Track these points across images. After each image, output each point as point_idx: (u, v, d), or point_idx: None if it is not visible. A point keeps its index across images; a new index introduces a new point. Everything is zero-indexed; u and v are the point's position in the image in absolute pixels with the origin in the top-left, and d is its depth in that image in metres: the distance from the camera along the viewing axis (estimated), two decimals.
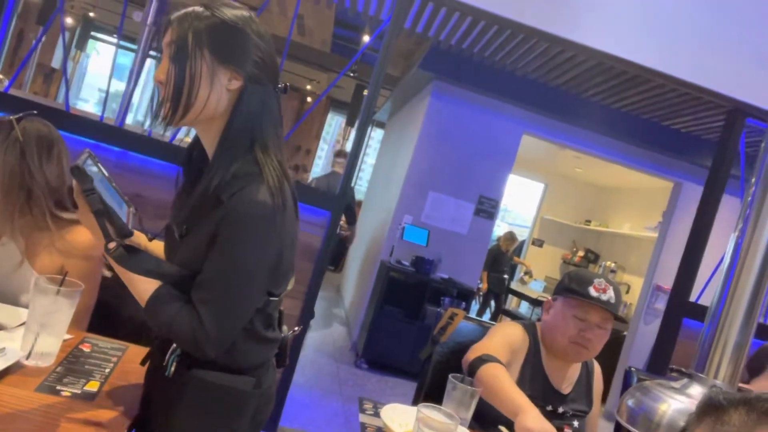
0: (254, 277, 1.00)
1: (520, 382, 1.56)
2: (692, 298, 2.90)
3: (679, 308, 2.86)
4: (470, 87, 4.64)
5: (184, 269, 1.00)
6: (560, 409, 1.60)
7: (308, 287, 2.59)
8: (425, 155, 4.75)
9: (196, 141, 1.12)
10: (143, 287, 0.99)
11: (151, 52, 3.14)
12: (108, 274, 1.49)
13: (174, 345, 1.03)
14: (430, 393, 1.73)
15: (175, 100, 0.98)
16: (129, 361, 1.24)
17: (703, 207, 2.88)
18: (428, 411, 1.11)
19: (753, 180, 1.20)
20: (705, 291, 2.95)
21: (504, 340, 1.59)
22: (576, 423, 1.61)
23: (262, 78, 1.04)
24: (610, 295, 1.55)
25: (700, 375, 1.05)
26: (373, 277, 4.80)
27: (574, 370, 1.68)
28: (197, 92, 0.99)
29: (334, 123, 11.49)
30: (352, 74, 7.15)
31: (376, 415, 1.35)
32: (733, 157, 2.85)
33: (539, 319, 1.73)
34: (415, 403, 1.67)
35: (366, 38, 4.65)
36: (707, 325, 1.19)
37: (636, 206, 7.20)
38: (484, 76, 4.44)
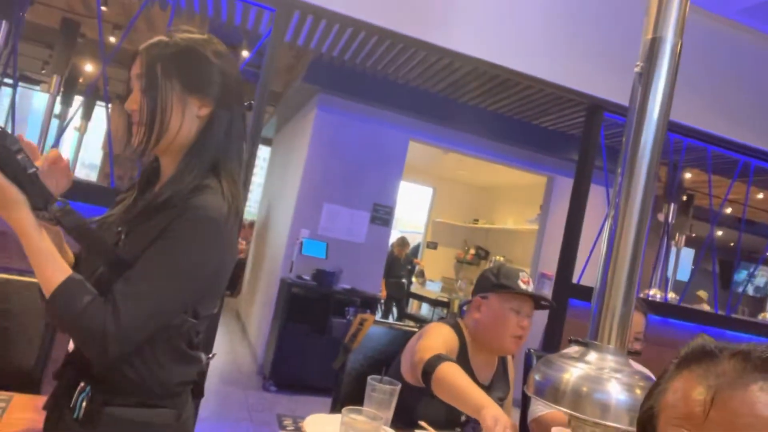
0: (187, 280, 0.96)
1: None
2: (574, 280, 3.16)
3: (564, 291, 3.10)
4: (355, 98, 4.73)
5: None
6: None
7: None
8: (316, 168, 4.75)
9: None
10: (51, 273, 0.90)
11: (6, 80, 2.81)
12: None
13: (82, 384, 0.95)
14: (347, 402, 1.72)
15: (149, 130, 1.00)
16: (16, 410, 1.12)
17: (575, 197, 3.16)
18: (353, 414, 1.12)
19: (619, 171, 1.33)
20: (585, 272, 3.23)
21: (442, 340, 1.62)
22: None
23: (229, 100, 1.06)
24: (533, 285, 1.65)
25: (595, 342, 1.15)
26: (274, 296, 4.70)
27: (494, 361, 1.75)
28: (169, 122, 1.01)
29: None
30: None
31: (297, 430, 1.33)
32: (596, 149, 3.16)
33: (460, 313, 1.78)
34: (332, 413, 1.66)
35: (245, 54, 4.57)
36: (594, 302, 1.30)
37: (516, 202, 7.71)
38: (369, 86, 4.55)
